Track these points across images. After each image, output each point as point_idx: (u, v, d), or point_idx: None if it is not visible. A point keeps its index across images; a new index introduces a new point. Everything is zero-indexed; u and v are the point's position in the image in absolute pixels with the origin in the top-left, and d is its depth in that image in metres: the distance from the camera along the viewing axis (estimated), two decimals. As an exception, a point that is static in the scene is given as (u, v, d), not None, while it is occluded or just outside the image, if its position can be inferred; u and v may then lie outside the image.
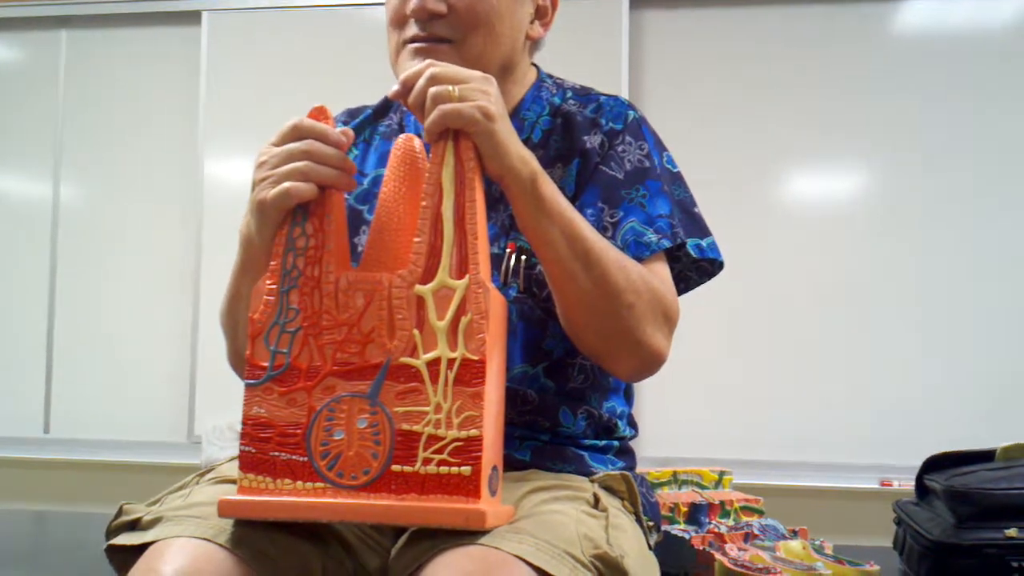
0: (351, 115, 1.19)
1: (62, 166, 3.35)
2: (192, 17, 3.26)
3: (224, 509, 0.77)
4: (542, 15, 1.10)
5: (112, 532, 0.87)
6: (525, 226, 0.89)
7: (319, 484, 0.77)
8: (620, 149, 1.04)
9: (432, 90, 0.82)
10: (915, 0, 2.94)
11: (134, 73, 3.33)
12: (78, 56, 3.37)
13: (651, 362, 0.98)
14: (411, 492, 0.75)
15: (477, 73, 0.85)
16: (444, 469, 0.75)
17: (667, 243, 1.00)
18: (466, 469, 0.74)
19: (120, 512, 0.88)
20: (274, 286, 0.82)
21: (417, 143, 0.93)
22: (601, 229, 0.98)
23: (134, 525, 0.85)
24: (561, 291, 0.93)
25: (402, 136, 0.94)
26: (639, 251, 0.98)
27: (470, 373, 0.76)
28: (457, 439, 0.75)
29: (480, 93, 0.83)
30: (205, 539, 0.78)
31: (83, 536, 1.89)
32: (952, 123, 2.86)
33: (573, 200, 1.00)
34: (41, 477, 3.27)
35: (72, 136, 3.35)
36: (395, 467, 0.76)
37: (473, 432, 0.75)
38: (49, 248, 3.32)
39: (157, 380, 3.22)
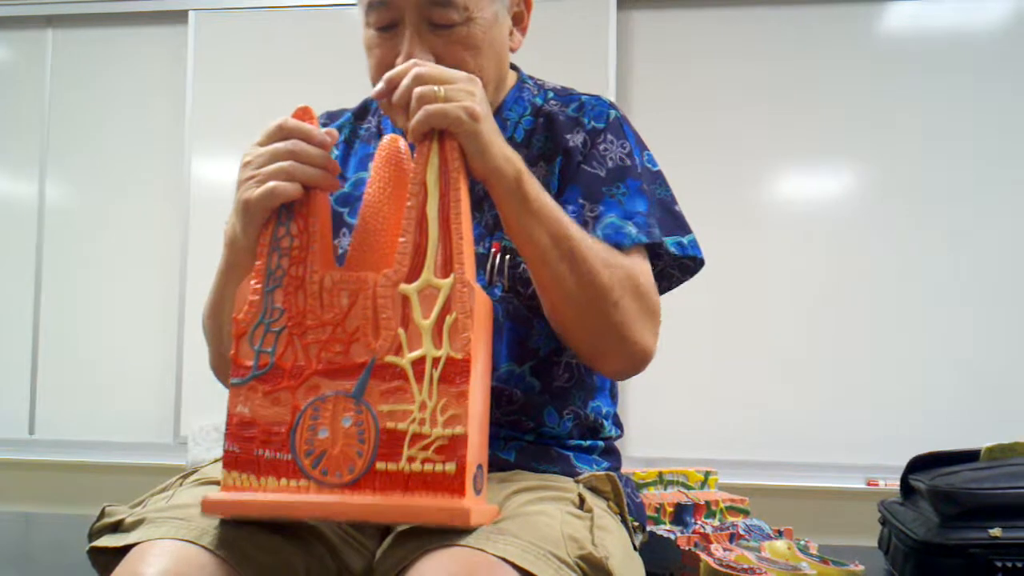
0: (330, 118, 1.18)
1: (48, 166, 3.33)
2: (179, 17, 3.25)
3: (208, 507, 0.77)
4: (518, 21, 1.09)
5: (94, 534, 0.86)
6: (510, 226, 0.89)
7: (303, 482, 0.76)
8: (602, 148, 1.05)
9: (417, 90, 0.82)
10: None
11: (121, 73, 3.31)
12: (64, 55, 3.35)
13: (639, 359, 0.98)
14: (396, 490, 0.75)
15: (462, 73, 0.85)
16: (429, 467, 0.74)
17: (644, 239, 1.00)
18: (451, 467, 0.74)
19: (103, 514, 0.87)
20: (259, 286, 0.82)
21: (402, 144, 0.93)
22: (581, 223, 0.98)
23: (117, 527, 0.85)
24: (547, 291, 0.93)
25: (387, 137, 0.94)
26: (619, 239, 0.98)
27: (455, 372, 0.76)
28: (442, 437, 0.75)
29: (465, 94, 0.83)
30: (188, 541, 0.78)
31: (68, 538, 1.87)
32: (947, 122, 2.87)
33: (556, 198, 1.01)
34: (26, 478, 3.25)
35: (58, 136, 3.33)
36: (379, 465, 0.75)
37: (458, 430, 0.75)
38: (35, 248, 3.30)
39: (143, 381, 3.20)
